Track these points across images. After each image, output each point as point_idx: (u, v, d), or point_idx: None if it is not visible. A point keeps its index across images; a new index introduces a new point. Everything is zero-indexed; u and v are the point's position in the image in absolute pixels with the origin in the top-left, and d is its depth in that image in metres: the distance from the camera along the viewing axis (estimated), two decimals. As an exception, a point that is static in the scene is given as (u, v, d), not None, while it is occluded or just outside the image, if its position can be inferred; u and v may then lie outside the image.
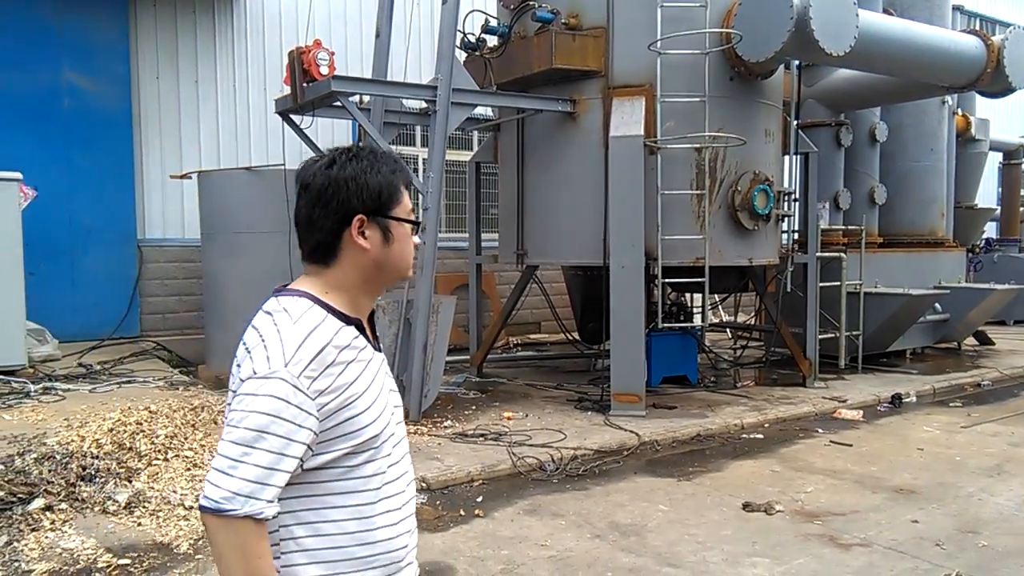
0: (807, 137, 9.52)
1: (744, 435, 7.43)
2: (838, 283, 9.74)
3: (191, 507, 4.99)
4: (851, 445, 7.12)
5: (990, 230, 16.88)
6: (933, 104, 11.43)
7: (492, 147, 9.72)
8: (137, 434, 6.07)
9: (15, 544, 4.38)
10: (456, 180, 12.16)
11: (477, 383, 9.45)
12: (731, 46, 7.81)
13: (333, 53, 7.24)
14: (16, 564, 4.21)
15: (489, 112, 10.33)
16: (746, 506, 5.44)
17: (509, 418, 7.60)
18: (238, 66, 10.99)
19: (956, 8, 12.13)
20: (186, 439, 6.20)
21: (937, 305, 11.14)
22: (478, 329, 10.08)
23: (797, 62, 9.17)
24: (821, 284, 9.40)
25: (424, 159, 11.37)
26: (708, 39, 7.73)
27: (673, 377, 9.24)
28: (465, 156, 11.72)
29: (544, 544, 4.78)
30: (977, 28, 10.56)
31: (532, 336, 13.09)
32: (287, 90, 7.76)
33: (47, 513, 4.72)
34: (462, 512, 5.31)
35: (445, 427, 7.21)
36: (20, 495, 4.78)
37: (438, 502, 5.50)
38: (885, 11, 10.56)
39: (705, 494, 5.74)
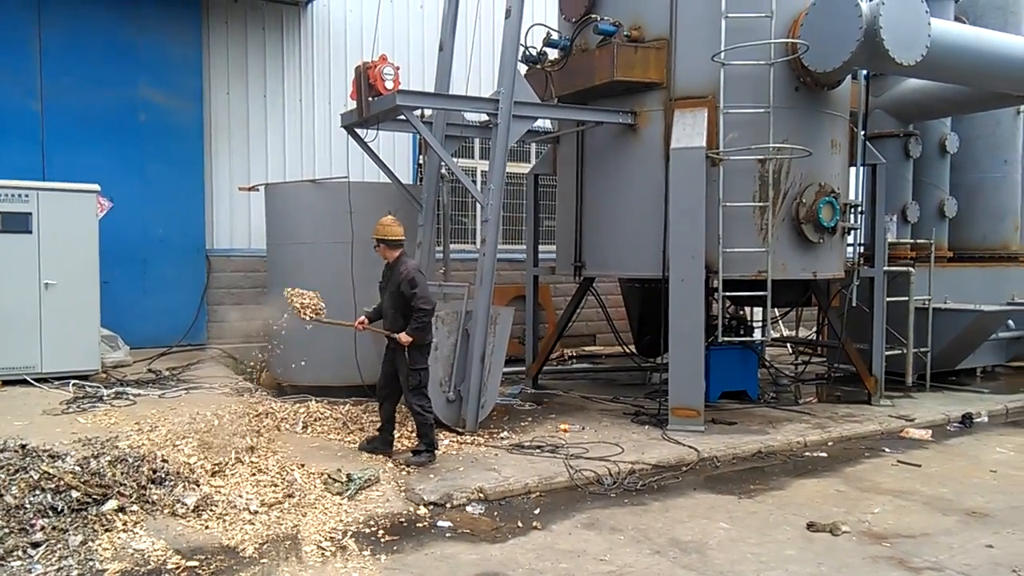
0: (875, 148, 9.29)
1: (807, 453, 7.26)
2: (906, 298, 9.48)
3: (256, 511, 5.11)
4: (920, 466, 6.90)
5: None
6: (1007, 114, 11.08)
7: (551, 159, 9.75)
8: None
9: (90, 544, 4.54)
10: (513, 192, 12.21)
11: (533, 394, 9.45)
12: (797, 56, 7.69)
13: (398, 68, 7.35)
14: (91, 563, 4.36)
15: (548, 124, 10.36)
16: (811, 526, 5.32)
17: (565, 430, 7.58)
18: (305, 81, 11.26)
19: (1032, 15, 11.70)
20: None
21: (1010, 322, 10.74)
22: (534, 340, 10.08)
23: (865, 72, 8.97)
24: (888, 299, 9.15)
25: (483, 171, 11.45)
26: (773, 49, 7.62)
27: (732, 392, 9.10)
28: (523, 168, 11.77)
29: (603, 559, 4.74)
30: (1055, 35, 10.17)
31: (587, 348, 13.03)
32: (352, 104, 7.90)
33: (120, 514, 4.88)
34: (519, 524, 5.31)
35: (501, 438, 7.22)
36: (95, 496, 4.95)
37: (495, 513, 5.51)
38: (957, 19, 10.29)
39: (767, 513, 5.63)
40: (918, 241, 10.28)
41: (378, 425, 6.74)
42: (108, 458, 5.52)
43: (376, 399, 6.82)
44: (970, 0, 11.47)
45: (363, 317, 6.66)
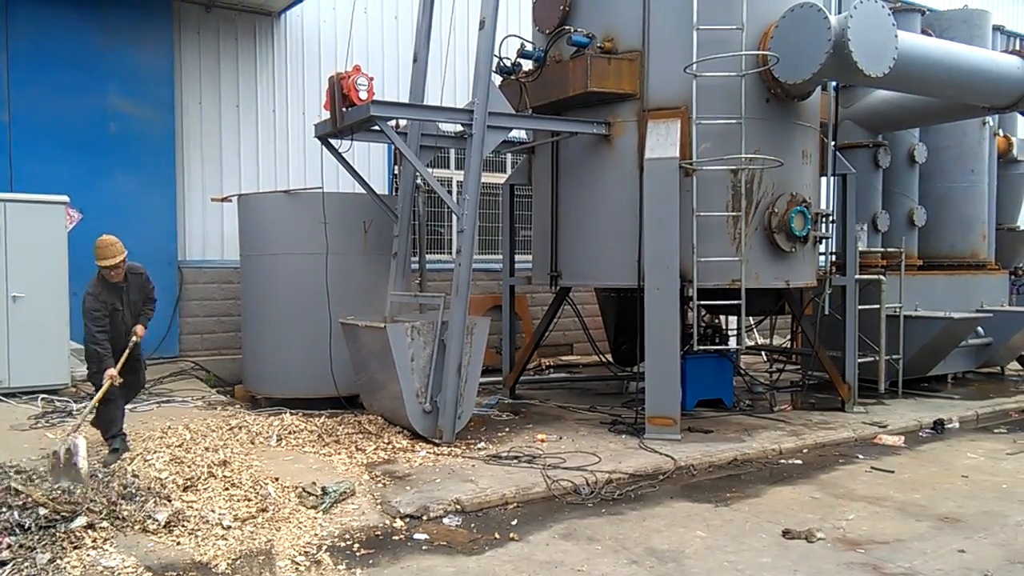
0: (845, 158, 9.42)
1: (782, 460, 7.31)
2: (877, 306, 9.59)
3: (229, 527, 5.04)
4: (893, 472, 6.97)
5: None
6: (973, 125, 11.27)
7: (526, 170, 9.77)
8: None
9: (58, 561, 4.44)
10: (489, 203, 12.22)
11: (510, 405, 9.43)
12: (768, 68, 7.79)
13: (372, 78, 7.34)
14: (59, 581, 4.27)
15: (523, 135, 10.39)
16: (786, 533, 5.35)
17: (543, 440, 7.57)
18: (278, 91, 11.19)
19: (996, 28, 11.94)
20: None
21: (979, 329, 10.92)
22: (511, 350, 10.07)
23: (835, 83, 9.10)
24: (860, 307, 9.26)
25: (459, 182, 11.44)
26: (744, 61, 7.71)
27: (708, 400, 9.14)
28: (499, 179, 11.78)
29: (580, 569, 4.73)
30: (1018, 48, 10.41)
31: (564, 357, 13.05)
32: (326, 115, 7.87)
33: (89, 531, 4.78)
34: (497, 535, 5.28)
35: (479, 449, 7.19)
36: (63, 513, 4.85)
37: (472, 524, 5.48)
38: (924, 32, 10.47)
39: (744, 520, 5.65)
40: (888, 250, 10.42)
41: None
42: (77, 474, 5.42)
43: (117, 404, 6.40)
44: (936, 14, 11.73)
45: (111, 371, 6.14)
